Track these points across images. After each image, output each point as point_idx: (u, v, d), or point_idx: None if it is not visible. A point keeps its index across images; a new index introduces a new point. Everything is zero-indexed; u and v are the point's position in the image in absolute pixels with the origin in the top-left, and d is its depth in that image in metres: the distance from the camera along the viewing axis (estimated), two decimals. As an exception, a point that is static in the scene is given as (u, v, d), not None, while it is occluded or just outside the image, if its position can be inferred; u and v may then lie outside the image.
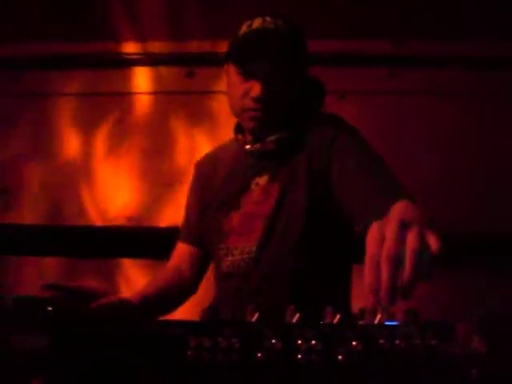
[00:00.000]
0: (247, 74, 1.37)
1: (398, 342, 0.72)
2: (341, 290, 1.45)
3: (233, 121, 1.48)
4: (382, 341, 0.73)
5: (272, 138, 1.42)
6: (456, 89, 2.46)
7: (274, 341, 0.76)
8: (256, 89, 1.36)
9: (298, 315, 0.82)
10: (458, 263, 2.11)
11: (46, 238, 2.57)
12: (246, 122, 1.43)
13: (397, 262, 0.76)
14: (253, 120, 1.40)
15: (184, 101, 2.59)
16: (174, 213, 2.53)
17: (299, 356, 0.75)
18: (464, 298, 2.27)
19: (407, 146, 2.45)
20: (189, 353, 0.77)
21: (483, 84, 2.45)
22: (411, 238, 0.78)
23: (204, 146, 2.59)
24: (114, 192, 2.59)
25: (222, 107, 2.38)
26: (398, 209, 0.96)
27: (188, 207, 1.66)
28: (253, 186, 1.45)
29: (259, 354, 0.76)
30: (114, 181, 2.59)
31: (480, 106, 2.45)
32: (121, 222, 2.55)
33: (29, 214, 2.60)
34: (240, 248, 1.42)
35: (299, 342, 0.76)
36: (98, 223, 2.56)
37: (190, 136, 2.60)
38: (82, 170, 2.62)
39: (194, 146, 2.60)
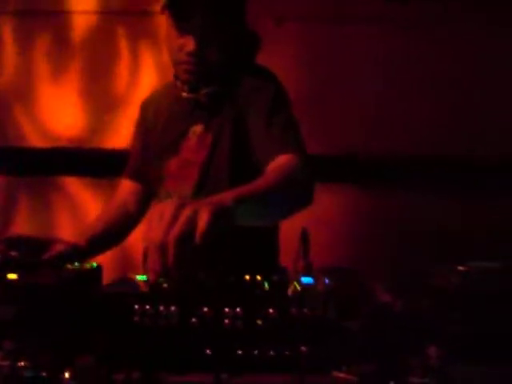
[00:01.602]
0: (182, 29, 1.43)
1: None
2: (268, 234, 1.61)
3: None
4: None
5: (204, 90, 1.50)
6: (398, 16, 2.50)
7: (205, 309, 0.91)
8: (190, 44, 1.42)
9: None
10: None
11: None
12: (181, 74, 1.51)
13: (160, 248, 0.91)
14: (187, 73, 1.48)
15: (127, 21, 2.57)
16: (116, 135, 2.59)
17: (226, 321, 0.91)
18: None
19: (350, 73, 2.51)
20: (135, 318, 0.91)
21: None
22: (176, 227, 0.92)
23: (147, 68, 2.60)
24: (56, 114, 2.59)
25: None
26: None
27: (132, 146, 1.74)
28: (190, 134, 1.54)
29: (193, 320, 0.91)
30: (56, 102, 2.59)
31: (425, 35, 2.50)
32: (63, 143, 2.58)
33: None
34: (177, 193, 1.53)
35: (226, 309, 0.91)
36: (40, 145, 2.59)
37: (133, 57, 2.59)
38: (23, 91, 2.60)
39: (138, 67, 2.60)
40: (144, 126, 1.69)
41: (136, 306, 0.91)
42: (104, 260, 1.44)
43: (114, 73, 2.58)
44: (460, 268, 1.06)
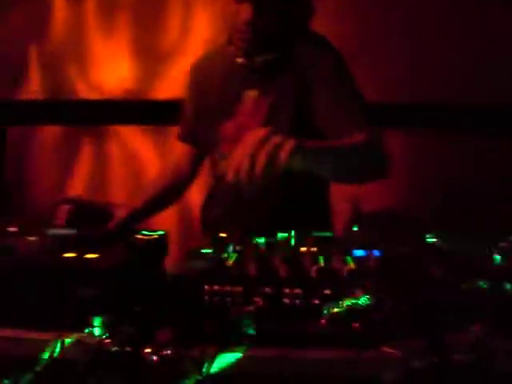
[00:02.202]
0: None
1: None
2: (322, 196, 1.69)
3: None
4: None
5: (260, 58, 1.54)
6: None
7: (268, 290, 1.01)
8: (247, 12, 1.44)
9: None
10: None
11: (47, 111, 2.72)
12: (236, 41, 1.54)
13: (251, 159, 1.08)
14: (242, 41, 1.52)
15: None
16: (168, 85, 2.65)
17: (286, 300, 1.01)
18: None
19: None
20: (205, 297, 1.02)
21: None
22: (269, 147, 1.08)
23: (198, 18, 2.63)
24: (108, 67, 2.68)
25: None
26: None
27: (185, 108, 1.80)
28: (245, 98, 1.59)
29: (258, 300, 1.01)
30: (108, 56, 2.66)
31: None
32: (116, 95, 2.67)
33: (30, 89, 2.72)
34: None
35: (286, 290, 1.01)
36: (95, 97, 2.68)
37: (185, 8, 2.62)
38: (75, 47, 2.67)
39: (189, 18, 2.63)
40: (196, 89, 1.74)
41: (206, 287, 1.01)
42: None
43: (165, 24, 2.61)
44: (502, 244, 1.13)
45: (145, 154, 2.73)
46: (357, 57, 2.26)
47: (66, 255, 1.12)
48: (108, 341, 0.99)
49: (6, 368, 0.98)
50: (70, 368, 0.98)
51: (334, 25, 2.46)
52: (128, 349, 0.98)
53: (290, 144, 1.09)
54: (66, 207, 1.42)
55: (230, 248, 1.21)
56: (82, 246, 1.16)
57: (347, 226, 1.70)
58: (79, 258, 1.11)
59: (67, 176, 2.78)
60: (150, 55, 2.65)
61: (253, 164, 1.08)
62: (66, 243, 1.16)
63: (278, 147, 1.08)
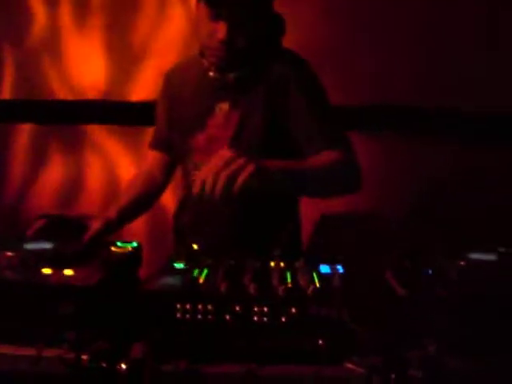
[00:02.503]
0: (216, 15, 1.48)
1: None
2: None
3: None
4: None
5: (232, 74, 1.58)
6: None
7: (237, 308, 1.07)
8: (222, 31, 1.47)
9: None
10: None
11: (20, 111, 2.73)
12: (210, 58, 1.58)
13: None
14: (216, 58, 1.55)
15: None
16: (140, 86, 2.68)
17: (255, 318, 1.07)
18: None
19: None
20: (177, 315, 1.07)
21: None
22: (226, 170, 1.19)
23: (172, 20, 2.65)
24: (82, 67, 2.69)
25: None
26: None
27: (158, 116, 1.83)
28: (217, 110, 1.63)
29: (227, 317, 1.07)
30: (82, 56, 2.68)
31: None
32: (89, 96, 2.69)
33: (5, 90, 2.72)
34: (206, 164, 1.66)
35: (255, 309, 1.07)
36: (67, 97, 2.70)
37: (157, 9, 2.64)
38: (50, 47, 2.68)
39: (162, 19, 2.66)
40: (169, 98, 1.77)
41: (178, 305, 1.06)
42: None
43: (137, 26, 2.63)
44: (460, 263, 1.20)
45: (117, 154, 2.75)
46: (327, 61, 2.35)
47: (43, 271, 1.15)
48: (84, 356, 1.03)
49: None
50: (49, 382, 1.02)
51: (306, 30, 2.51)
52: (103, 364, 1.03)
53: (249, 168, 1.19)
54: (40, 221, 1.45)
55: (201, 262, 1.26)
56: (58, 262, 1.19)
57: (314, 236, 1.77)
58: (56, 273, 1.15)
59: (39, 175, 2.79)
60: (123, 57, 2.67)
61: (214, 183, 1.18)
62: (42, 259, 1.20)
63: (238, 170, 1.19)
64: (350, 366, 1.02)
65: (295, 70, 1.58)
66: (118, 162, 2.75)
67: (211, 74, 1.61)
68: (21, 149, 2.79)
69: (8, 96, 2.72)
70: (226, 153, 1.22)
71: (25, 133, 2.79)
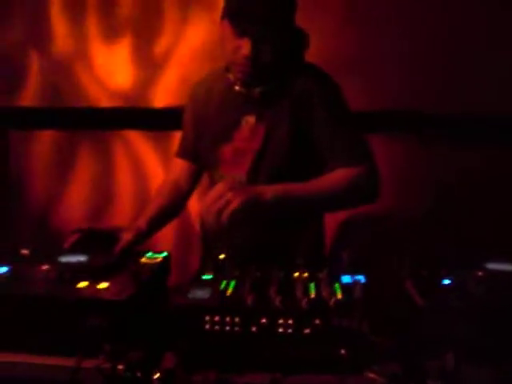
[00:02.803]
0: (240, 32, 1.53)
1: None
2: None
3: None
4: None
5: (258, 88, 1.63)
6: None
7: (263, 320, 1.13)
8: (247, 47, 1.53)
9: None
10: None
11: (48, 118, 2.82)
12: (235, 73, 1.63)
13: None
14: (241, 73, 1.61)
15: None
16: (166, 93, 2.75)
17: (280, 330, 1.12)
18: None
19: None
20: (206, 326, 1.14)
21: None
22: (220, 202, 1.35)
23: (195, 29, 2.71)
24: (109, 75, 2.77)
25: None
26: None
27: (185, 127, 1.88)
28: (243, 123, 1.68)
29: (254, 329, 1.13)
30: (108, 64, 2.75)
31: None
32: (117, 103, 2.77)
33: (31, 97, 2.81)
34: (232, 176, 1.70)
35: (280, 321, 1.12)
36: (95, 104, 2.78)
37: (180, 17, 2.70)
38: (79, 56, 2.76)
39: (184, 26, 2.72)
40: (195, 111, 1.83)
41: (207, 318, 1.12)
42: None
43: (161, 33, 2.70)
44: (478, 273, 1.24)
45: (146, 157, 2.83)
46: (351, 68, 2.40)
47: (79, 285, 1.22)
48: (120, 367, 1.10)
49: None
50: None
51: (328, 39, 2.55)
52: (138, 374, 1.09)
53: (236, 201, 1.35)
54: (75, 235, 1.52)
55: (229, 273, 1.32)
56: (92, 275, 1.26)
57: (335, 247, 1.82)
58: (91, 287, 1.22)
59: (68, 181, 2.88)
60: (148, 64, 2.74)
61: (208, 216, 1.36)
62: (77, 272, 1.27)
63: (227, 203, 1.34)
64: (370, 375, 1.07)
65: (318, 84, 1.62)
66: (146, 165, 2.82)
67: (237, 88, 1.66)
68: (48, 156, 2.87)
69: (34, 103, 2.79)
70: (219, 187, 1.37)
71: (50, 140, 2.86)
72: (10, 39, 2.76)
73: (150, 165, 2.84)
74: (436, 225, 2.48)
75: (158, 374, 1.09)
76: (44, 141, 2.88)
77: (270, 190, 1.45)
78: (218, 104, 1.75)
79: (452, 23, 2.52)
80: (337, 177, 1.55)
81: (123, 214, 2.80)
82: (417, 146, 2.59)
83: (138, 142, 2.84)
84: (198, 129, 1.81)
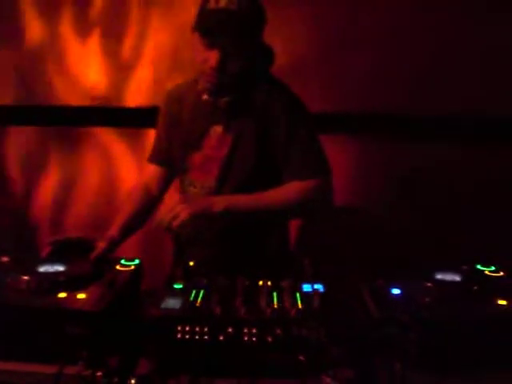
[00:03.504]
0: (208, 44, 1.63)
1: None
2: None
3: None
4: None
5: (224, 98, 1.73)
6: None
7: (230, 329, 1.24)
8: (214, 59, 1.63)
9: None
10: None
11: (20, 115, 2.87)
12: (203, 83, 1.73)
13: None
14: (208, 83, 1.70)
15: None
16: (136, 93, 2.82)
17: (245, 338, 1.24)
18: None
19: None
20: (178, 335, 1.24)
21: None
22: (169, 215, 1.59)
23: (162, 29, 2.78)
24: (80, 74, 2.82)
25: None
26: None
27: (158, 133, 1.98)
28: (211, 132, 1.79)
29: (221, 338, 1.24)
30: (80, 63, 2.80)
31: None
32: (88, 101, 2.82)
33: (3, 94, 2.85)
34: (201, 182, 1.81)
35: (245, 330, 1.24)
36: (68, 102, 2.83)
37: (147, 19, 2.77)
38: (49, 53, 2.80)
39: (150, 27, 2.78)
40: (168, 119, 1.92)
41: (178, 327, 1.23)
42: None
43: (127, 34, 2.76)
44: (426, 285, 1.37)
45: (117, 154, 2.90)
46: (314, 69, 2.50)
47: (59, 295, 1.31)
48: (99, 373, 1.20)
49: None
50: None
51: (294, 38, 2.65)
52: (115, 380, 1.20)
53: (183, 214, 1.57)
54: (50, 245, 1.61)
55: (198, 282, 1.43)
56: (70, 285, 1.35)
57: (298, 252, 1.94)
58: (70, 297, 1.31)
59: (40, 178, 2.94)
60: (116, 64, 2.80)
61: (163, 222, 1.60)
62: (56, 282, 1.35)
63: (175, 215, 1.57)
64: (327, 379, 1.19)
65: (280, 98, 1.73)
66: (117, 162, 2.90)
67: (205, 97, 1.75)
68: (22, 151, 2.92)
69: (7, 101, 2.83)
70: (170, 200, 1.64)
71: (24, 136, 2.91)
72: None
73: (121, 162, 2.90)
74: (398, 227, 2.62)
75: (133, 380, 1.18)
76: (16, 138, 2.91)
77: (220, 202, 1.63)
78: (189, 113, 1.84)
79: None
80: (289, 190, 1.68)
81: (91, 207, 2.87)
82: (375, 145, 2.71)
83: (110, 139, 2.90)
84: (170, 135, 1.91)
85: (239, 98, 1.72)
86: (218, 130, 1.77)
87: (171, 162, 1.91)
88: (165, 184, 1.97)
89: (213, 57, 1.63)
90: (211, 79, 1.67)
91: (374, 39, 2.69)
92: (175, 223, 1.56)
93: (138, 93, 2.79)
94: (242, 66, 1.67)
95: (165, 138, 1.93)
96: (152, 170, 1.98)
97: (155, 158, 1.98)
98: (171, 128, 1.89)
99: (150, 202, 1.93)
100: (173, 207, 1.58)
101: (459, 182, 2.71)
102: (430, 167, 2.72)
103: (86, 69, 2.80)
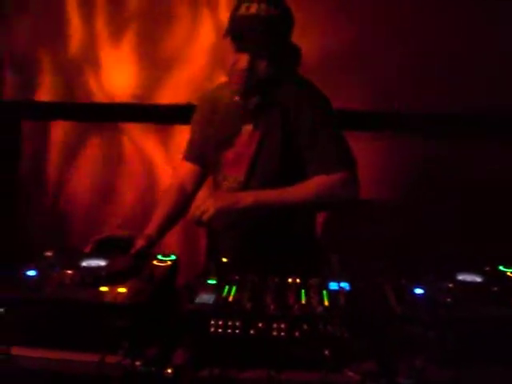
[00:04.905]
0: (238, 47, 1.74)
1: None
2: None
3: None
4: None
5: (253, 99, 1.82)
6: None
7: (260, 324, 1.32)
8: (243, 61, 1.74)
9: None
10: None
11: (61, 113, 2.99)
12: (233, 85, 1.82)
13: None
14: (238, 85, 1.80)
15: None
16: (172, 92, 2.91)
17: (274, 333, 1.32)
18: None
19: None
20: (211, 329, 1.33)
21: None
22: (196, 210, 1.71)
23: (202, 31, 2.86)
24: (117, 73, 2.92)
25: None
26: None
27: (192, 133, 2.08)
28: (243, 131, 1.90)
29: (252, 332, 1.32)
30: (117, 63, 2.91)
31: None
32: (125, 99, 2.93)
33: (44, 92, 2.97)
34: (233, 176, 1.92)
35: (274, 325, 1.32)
36: (105, 100, 2.94)
37: (187, 20, 2.85)
38: (89, 55, 2.91)
39: (191, 29, 2.87)
40: (202, 120, 2.03)
41: (212, 321, 1.32)
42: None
43: (168, 34, 2.84)
44: (448, 285, 1.43)
45: (150, 149, 3.00)
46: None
47: (101, 289, 1.41)
48: (138, 363, 1.29)
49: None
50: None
51: (325, 37, 2.70)
52: (153, 369, 1.29)
53: (211, 209, 1.67)
54: (95, 241, 1.72)
55: (230, 278, 1.51)
56: (112, 280, 1.45)
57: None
58: (111, 291, 1.41)
59: (78, 170, 3.06)
60: (155, 63, 2.89)
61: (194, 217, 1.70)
62: (99, 277, 1.45)
63: (204, 211, 1.67)
64: (349, 373, 1.27)
65: (306, 95, 1.81)
66: (151, 157, 3.00)
67: (236, 98, 1.84)
68: (60, 144, 3.05)
69: (47, 97, 2.95)
70: (200, 196, 1.82)
71: (63, 130, 3.03)
72: (24, 37, 2.90)
73: (152, 155, 3.01)
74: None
75: (170, 369, 1.27)
76: (56, 133, 3.03)
77: (246, 198, 1.72)
78: (222, 113, 1.95)
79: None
80: (314, 184, 1.75)
81: (127, 205, 2.99)
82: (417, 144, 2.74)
83: (141, 134, 3.00)
84: (204, 135, 2.01)
85: (268, 98, 1.80)
86: (248, 128, 1.88)
87: (205, 159, 2.00)
88: (199, 181, 2.07)
89: (242, 59, 1.73)
90: (240, 81, 1.76)
91: (405, 36, 2.70)
92: (204, 218, 1.65)
93: (172, 91, 2.87)
94: (270, 68, 1.76)
95: (199, 136, 2.02)
96: (187, 168, 2.07)
97: (190, 156, 2.07)
98: (205, 127, 1.99)
99: (185, 199, 2.02)
100: (202, 203, 1.67)
101: (494, 181, 2.70)
102: (463, 164, 2.73)
103: (121, 69, 2.88)
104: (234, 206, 1.70)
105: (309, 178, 1.76)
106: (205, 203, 1.67)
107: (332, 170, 1.74)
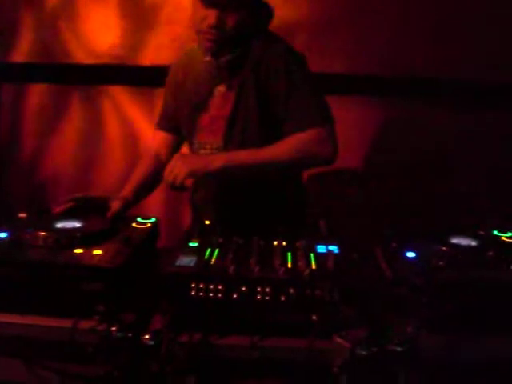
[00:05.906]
0: (207, 3, 1.64)
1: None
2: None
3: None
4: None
5: (224, 57, 1.73)
6: None
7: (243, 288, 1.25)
8: (212, 17, 1.64)
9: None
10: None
11: (36, 73, 2.87)
12: (202, 42, 1.72)
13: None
14: (208, 42, 1.70)
15: None
16: (154, 52, 2.80)
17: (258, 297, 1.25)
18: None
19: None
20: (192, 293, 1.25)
21: None
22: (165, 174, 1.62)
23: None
24: (99, 32, 2.80)
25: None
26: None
27: (165, 100, 2.00)
28: (216, 93, 1.81)
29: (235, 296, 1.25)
30: (99, 21, 2.78)
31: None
32: (106, 60, 2.81)
33: (19, 52, 2.85)
34: (209, 143, 1.83)
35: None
36: (85, 61, 2.82)
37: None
38: (68, 12, 2.79)
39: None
40: (175, 86, 1.94)
41: (192, 285, 1.24)
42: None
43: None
44: (441, 248, 1.36)
45: (131, 112, 2.90)
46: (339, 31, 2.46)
47: (76, 251, 1.33)
48: (113, 328, 1.22)
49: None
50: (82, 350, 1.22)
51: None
52: (129, 334, 1.22)
53: (183, 173, 1.58)
54: (68, 202, 1.63)
55: (213, 241, 1.43)
56: (87, 241, 1.37)
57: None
58: (86, 253, 1.33)
59: (54, 135, 2.95)
60: (137, 22, 2.77)
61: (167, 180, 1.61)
62: (73, 238, 1.37)
63: (175, 175, 1.59)
64: (338, 339, 1.20)
65: (277, 51, 1.71)
66: (132, 119, 2.90)
67: (207, 58, 1.76)
68: (38, 107, 2.93)
69: (24, 58, 2.83)
70: (172, 160, 1.63)
71: (41, 92, 2.92)
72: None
73: (136, 119, 2.91)
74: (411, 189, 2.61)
75: (147, 335, 1.20)
76: (34, 95, 2.92)
77: (218, 159, 1.62)
78: (194, 77, 1.86)
79: None
80: (288, 142, 1.66)
81: (106, 167, 2.90)
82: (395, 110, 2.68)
83: (125, 98, 2.90)
84: (177, 101, 1.92)
85: (239, 55, 1.72)
86: (221, 89, 1.80)
87: (179, 127, 1.92)
88: (173, 150, 1.98)
89: (211, 15, 1.63)
90: (209, 37, 1.67)
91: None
92: (177, 182, 1.58)
93: (154, 51, 2.76)
94: (240, 23, 1.67)
95: (171, 104, 1.95)
96: (160, 137, 2.00)
97: (163, 124, 2.00)
98: (177, 94, 1.91)
99: (159, 167, 1.93)
100: (172, 168, 1.60)
101: (487, 147, 2.64)
102: (457, 131, 2.67)
103: (102, 27, 2.77)
104: (205, 168, 1.61)
105: (284, 137, 1.67)
106: (174, 168, 1.59)
107: (307, 127, 1.65)
